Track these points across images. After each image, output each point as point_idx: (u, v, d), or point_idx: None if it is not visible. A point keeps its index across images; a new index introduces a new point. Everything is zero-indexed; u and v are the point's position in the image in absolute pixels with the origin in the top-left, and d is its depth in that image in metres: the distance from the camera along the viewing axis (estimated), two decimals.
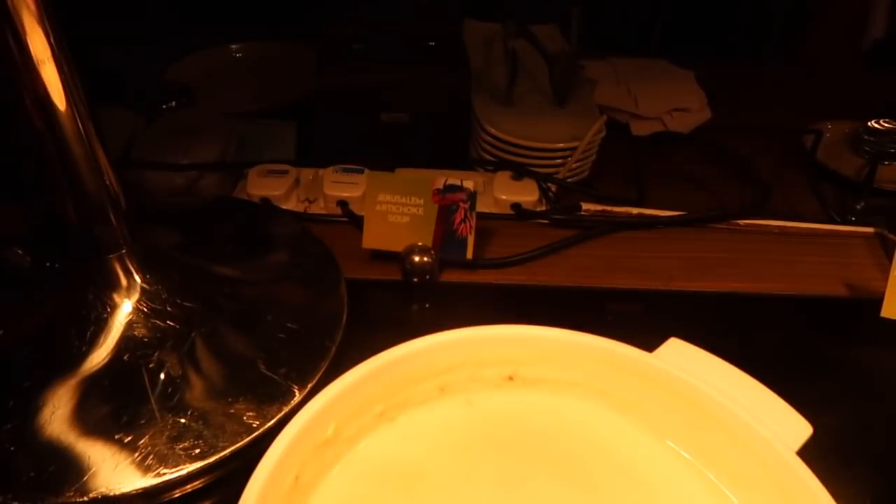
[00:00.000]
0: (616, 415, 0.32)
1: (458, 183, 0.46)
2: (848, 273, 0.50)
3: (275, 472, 0.25)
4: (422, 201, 0.45)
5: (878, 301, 0.44)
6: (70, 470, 0.32)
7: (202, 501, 0.33)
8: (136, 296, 0.37)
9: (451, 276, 0.48)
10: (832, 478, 0.26)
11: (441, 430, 0.31)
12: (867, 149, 0.66)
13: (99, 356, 0.35)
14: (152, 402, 0.34)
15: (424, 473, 0.29)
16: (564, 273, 0.49)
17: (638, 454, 0.30)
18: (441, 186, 0.45)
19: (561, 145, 0.56)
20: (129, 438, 0.33)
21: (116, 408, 0.34)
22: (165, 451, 0.33)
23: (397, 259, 0.46)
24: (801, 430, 0.28)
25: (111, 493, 0.31)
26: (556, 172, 0.57)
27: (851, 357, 0.44)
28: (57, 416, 0.34)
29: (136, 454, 0.33)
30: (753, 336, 0.45)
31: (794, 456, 0.27)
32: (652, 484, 0.29)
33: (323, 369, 0.38)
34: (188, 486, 0.33)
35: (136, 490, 0.31)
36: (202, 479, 0.33)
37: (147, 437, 0.33)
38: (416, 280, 0.46)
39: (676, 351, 0.31)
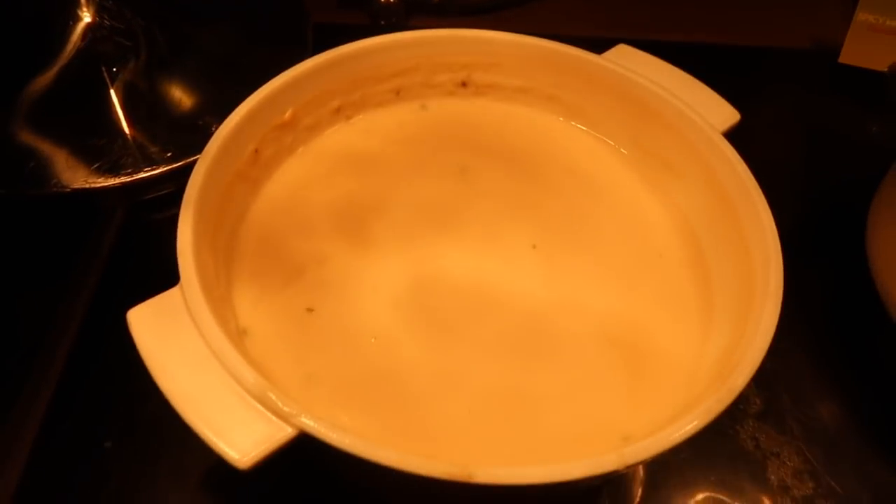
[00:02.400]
0: (562, 118, 0.34)
1: None
2: (815, 29, 0.50)
3: (232, 136, 0.27)
4: None
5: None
6: (49, 167, 0.34)
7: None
8: (94, 8, 0.37)
9: (420, 22, 0.47)
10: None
11: (396, 128, 0.33)
12: None
13: (67, 69, 0.36)
14: (123, 112, 0.36)
15: (380, 160, 0.31)
16: (537, 23, 0.49)
17: (578, 150, 0.33)
18: None
19: None
20: (104, 142, 0.35)
21: (89, 117, 0.36)
22: (138, 154, 0.35)
23: (364, 4, 0.46)
24: (729, 115, 0.30)
25: (89, 186, 0.34)
26: None
27: (803, 101, 0.46)
28: (31, 121, 0.35)
29: (112, 155, 0.35)
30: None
31: (718, 135, 0.29)
32: (590, 174, 0.32)
33: None
34: (162, 189, 0.35)
35: (113, 184, 0.34)
36: (173, 184, 0.35)
37: (120, 140, 0.35)
38: (383, 23, 0.46)
39: (623, 54, 0.33)
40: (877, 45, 0.45)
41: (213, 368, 0.20)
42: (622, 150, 0.32)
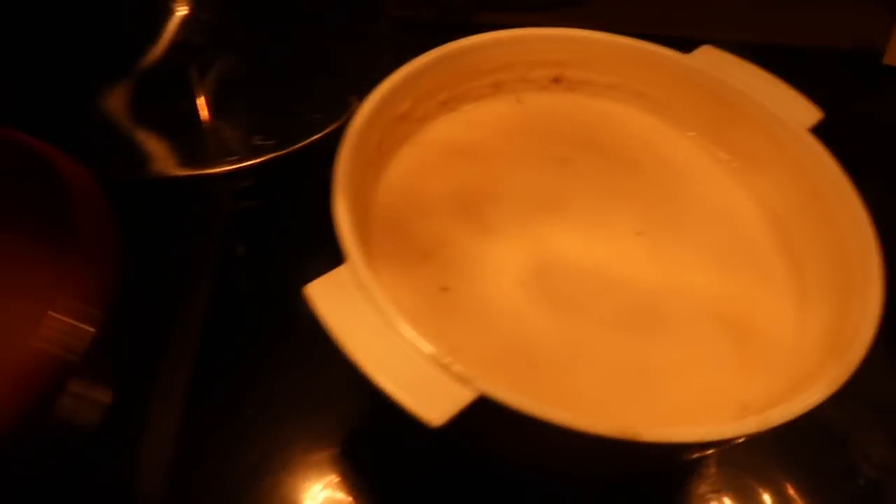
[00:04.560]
0: (650, 114, 0.36)
1: None
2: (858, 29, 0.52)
3: (364, 130, 0.29)
4: None
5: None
6: (157, 152, 0.35)
7: (274, 191, 0.38)
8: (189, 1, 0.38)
9: (485, 18, 0.49)
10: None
11: (496, 121, 0.35)
12: None
13: (164, 61, 0.38)
14: (214, 102, 0.37)
15: (484, 150, 0.33)
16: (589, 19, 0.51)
17: (668, 145, 0.35)
18: None
19: None
20: (204, 130, 0.36)
21: (188, 107, 0.37)
22: (243, 142, 0.36)
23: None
24: (812, 113, 0.32)
25: (200, 173, 0.35)
26: None
27: (848, 102, 0.48)
28: (135, 111, 0.37)
29: (216, 143, 0.36)
30: None
31: (805, 132, 0.31)
32: (681, 168, 0.34)
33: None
34: (265, 177, 0.37)
35: (220, 170, 0.35)
36: (275, 172, 0.37)
37: (225, 129, 0.36)
38: (451, 18, 0.48)
39: (708, 54, 0.35)
40: None
41: (392, 338, 0.22)
42: (709, 145, 0.35)
